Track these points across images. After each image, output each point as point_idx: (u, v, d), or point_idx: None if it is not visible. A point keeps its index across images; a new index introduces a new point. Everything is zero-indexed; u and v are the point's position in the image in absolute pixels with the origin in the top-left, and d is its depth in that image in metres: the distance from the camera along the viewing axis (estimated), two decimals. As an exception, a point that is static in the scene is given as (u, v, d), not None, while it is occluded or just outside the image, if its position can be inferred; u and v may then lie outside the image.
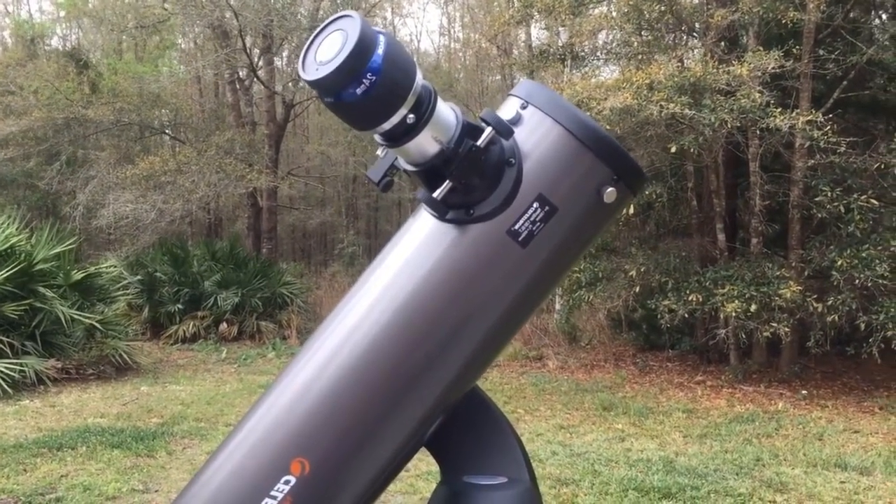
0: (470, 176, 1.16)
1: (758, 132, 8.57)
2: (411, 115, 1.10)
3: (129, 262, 13.68)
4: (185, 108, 17.96)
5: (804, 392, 8.42)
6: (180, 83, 18.50)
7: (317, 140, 21.40)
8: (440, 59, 24.62)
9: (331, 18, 1.11)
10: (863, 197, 7.82)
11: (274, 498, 1.19)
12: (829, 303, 7.83)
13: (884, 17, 10.60)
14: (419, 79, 1.09)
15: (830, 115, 8.01)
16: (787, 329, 8.01)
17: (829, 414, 7.58)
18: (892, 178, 8.27)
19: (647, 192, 9.26)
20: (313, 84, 1.07)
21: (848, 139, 7.88)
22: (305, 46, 1.11)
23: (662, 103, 7.61)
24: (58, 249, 9.85)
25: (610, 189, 1.22)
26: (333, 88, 1.06)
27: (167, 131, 18.41)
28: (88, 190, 14.48)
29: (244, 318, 12.94)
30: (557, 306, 11.51)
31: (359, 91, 1.05)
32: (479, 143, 1.14)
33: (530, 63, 11.94)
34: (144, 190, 13.92)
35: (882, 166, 8.06)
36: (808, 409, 7.76)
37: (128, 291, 12.35)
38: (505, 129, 1.16)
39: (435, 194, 1.16)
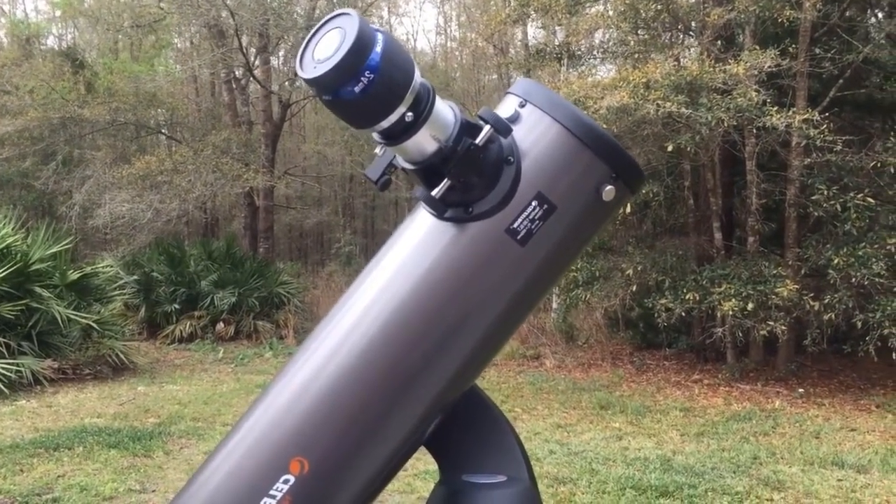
0: (468, 174, 1.15)
1: (754, 131, 8.58)
2: (410, 114, 1.09)
3: (126, 262, 13.66)
4: (182, 107, 17.94)
5: (801, 390, 8.44)
6: (176, 83, 18.46)
7: (313, 139, 21.39)
8: (437, 58, 24.61)
9: (329, 16, 1.11)
10: (859, 195, 7.83)
11: (273, 497, 1.19)
12: (826, 301, 7.85)
13: (880, 15, 10.61)
14: (417, 77, 1.09)
15: (827, 114, 8.03)
16: (783, 327, 8.02)
17: (826, 412, 7.59)
18: (889, 177, 8.28)
19: (643, 191, 9.26)
20: (311, 82, 1.06)
21: (844, 137, 7.89)
22: (303, 44, 1.11)
23: (659, 102, 7.62)
24: (54, 249, 9.83)
25: (609, 187, 1.22)
26: (331, 86, 1.05)
27: (163, 131, 18.38)
28: (84, 190, 14.45)
29: (241, 318, 12.93)
30: (554, 305, 11.52)
31: (357, 89, 1.04)
32: (477, 141, 1.14)
33: (527, 62, 11.96)
34: (141, 190, 13.90)
35: (878, 165, 8.07)
36: (804, 408, 7.77)
37: (124, 291, 12.35)
38: (503, 128, 1.16)
39: (433, 193, 1.15)
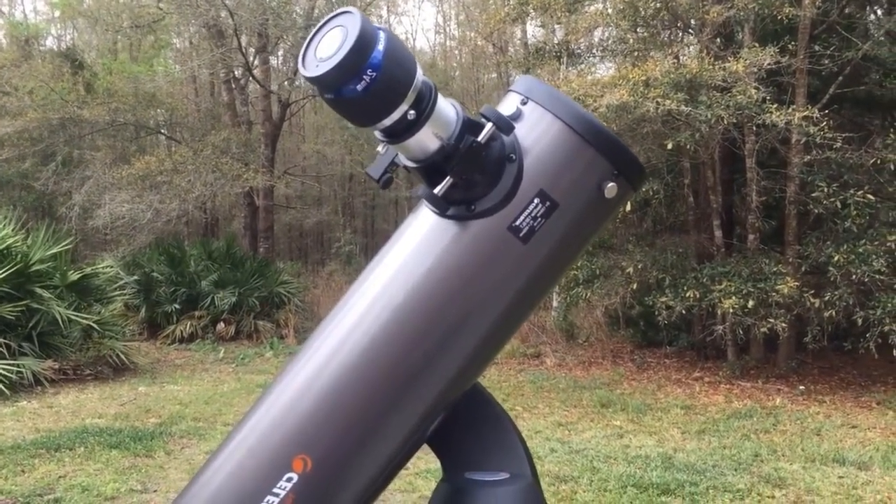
0: (471, 172, 1.16)
1: (754, 128, 8.58)
2: (412, 112, 1.10)
3: (126, 263, 13.66)
4: (181, 107, 17.92)
5: (802, 387, 8.44)
6: (175, 83, 18.45)
7: (313, 139, 21.38)
8: (436, 57, 24.61)
9: (330, 15, 1.11)
10: (859, 192, 7.83)
11: (276, 495, 1.19)
12: (826, 298, 7.85)
13: (879, 12, 10.61)
14: (419, 75, 1.09)
15: (826, 111, 8.02)
16: (784, 325, 8.02)
17: (827, 409, 7.59)
18: (889, 174, 8.28)
19: (644, 189, 9.25)
20: (314, 80, 1.06)
21: (844, 135, 7.89)
22: (305, 43, 1.11)
23: (658, 100, 7.62)
24: (54, 250, 9.82)
25: (611, 184, 1.22)
26: (334, 85, 1.05)
27: (163, 131, 18.38)
28: (84, 190, 14.45)
29: (241, 318, 12.93)
30: (555, 303, 11.52)
31: (359, 87, 1.04)
32: (479, 138, 1.14)
33: (526, 61, 11.95)
34: (140, 190, 13.89)
35: (878, 162, 8.08)
36: (805, 405, 7.77)
37: (124, 292, 12.35)
38: (505, 125, 1.16)
39: (436, 190, 1.15)
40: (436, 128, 1.12)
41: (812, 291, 8.00)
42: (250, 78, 16.35)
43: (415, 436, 1.27)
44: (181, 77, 18.92)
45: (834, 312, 7.86)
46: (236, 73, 16.50)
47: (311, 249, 23.10)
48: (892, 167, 8.03)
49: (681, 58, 9.37)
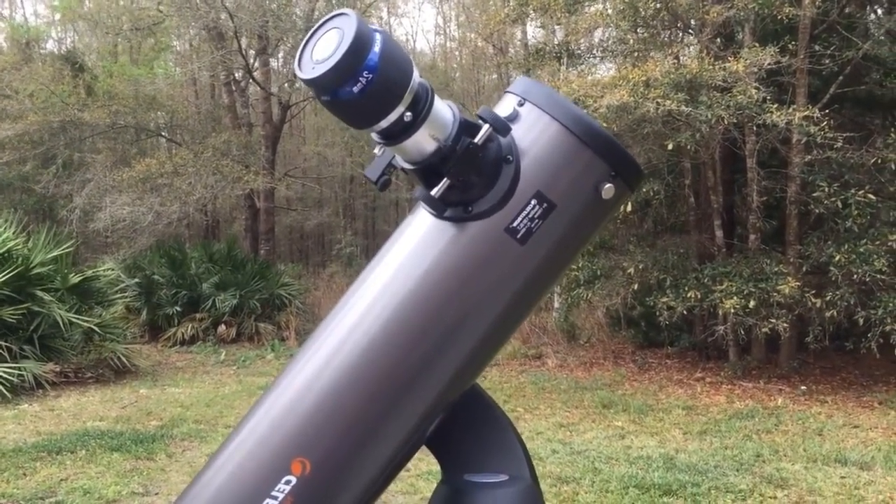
0: (467, 173, 1.15)
1: (754, 128, 8.58)
2: (408, 113, 1.09)
3: (127, 265, 13.67)
4: (181, 110, 17.94)
5: (803, 387, 8.43)
6: (176, 85, 18.47)
7: (313, 141, 21.40)
8: (436, 58, 24.61)
9: (327, 17, 1.11)
10: (860, 192, 7.82)
11: (275, 498, 1.19)
12: (828, 298, 7.84)
13: (879, 12, 10.61)
14: (416, 76, 1.09)
15: (827, 111, 8.01)
16: (785, 325, 8.01)
17: (829, 409, 7.58)
18: (890, 173, 8.27)
19: (644, 190, 9.26)
20: (310, 83, 1.06)
21: (844, 134, 7.88)
22: (302, 45, 1.11)
23: (659, 100, 7.62)
24: (55, 253, 9.83)
25: (608, 185, 1.22)
26: (330, 87, 1.05)
27: (163, 134, 18.40)
28: (85, 193, 14.46)
29: (242, 320, 12.94)
30: (556, 304, 11.52)
31: (355, 89, 1.04)
32: (476, 140, 1.14)
33: (526, 61, 11.95)
34: (141, 192, 13.91)
35: (879, 161, 8.07)
36: (807, 405, 7.76)
37: (125, 294, 12.36)
38: (502, 127, 1.15)
39: (433, 192, 1.15)
40: (432, 129, 1.12)
41: (813, 291, 7.99)
42: (250, 80, 16.37)
43: (414, 437, 1.27)
44: (181, 79, 18.94)
45: (835, 312, 7.85)
46: (236, 75, 16.52)
47: (311, 251, 23.11)
48: (893, 167, 8.02)
49: (681, 58, 9.37)
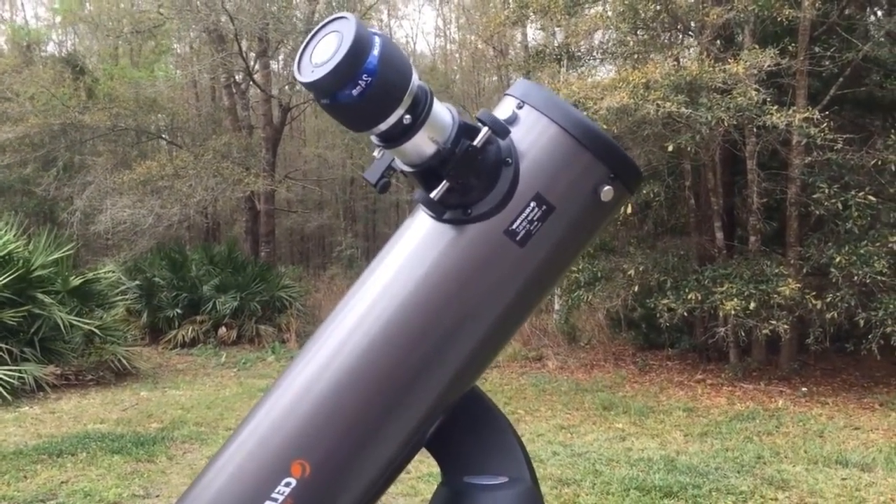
0: (467, 176, 1.16)
1: (755, 130, 8.58)
2: (408, 116, 1.10)
3: (128, 268, 13.67)
4: (182, 112, 17.96)
5: (804, 389, 8.42)
6: (176, 88, 18.49)
7: (314, 143, 21.41)
8: (436, 60, 24.62)
9: (326, 20, 1.11)
10: (860, 193, 7.82)
11: (275, 500, 1.19)
12: (828, 300, 7.84)
13: (879, 13, 10.61)
14: (415, 79, 1.09)
15: (827, 112, 8.02)
16: (786, 326, 8.01)
17: (830, 411, 7.58)
18: (890, 175, 8.27)
19: (644, 192, 9.27)
20: (309, 86, 1.07)
21: (845, 136, 7.89)
22: (301, 48, 1.11)
23: (659, 102, 7.62)
24: (56, 255, 9.84)
25: (607, 188, 1.22)
26: (329, 90, 1.05)
27: (164, 136, 18.40)
28: (86, 195, 14.47)
29: (243, 322, 12.94)
30: (556, 306, 11.52)
31: (355, 92, 1.05)
32: (475, 142, 1.14)
33: (526, 63, 11.94)
34: (142, 195, 13.92)
35: (879, 163, 8.07)
36: (808, 407, 7.76)
37: (126, 297, 12.35)
38: (501, 129, 1.16)
39: (432, 195, 1.15)
40: (432, 132, 1.12)
41: (814, 293, 7.99)
42: (251, 82, 16.38)
43: (414, 439, 1.27)
44: (182, 82, 18.96)
45: (836, 314, 7.85)
46: (237, 77, 16.53)
47: (312, 253, 23.11)
48: (893, 168, 8.02)
49: (681, 60, 9.37)
